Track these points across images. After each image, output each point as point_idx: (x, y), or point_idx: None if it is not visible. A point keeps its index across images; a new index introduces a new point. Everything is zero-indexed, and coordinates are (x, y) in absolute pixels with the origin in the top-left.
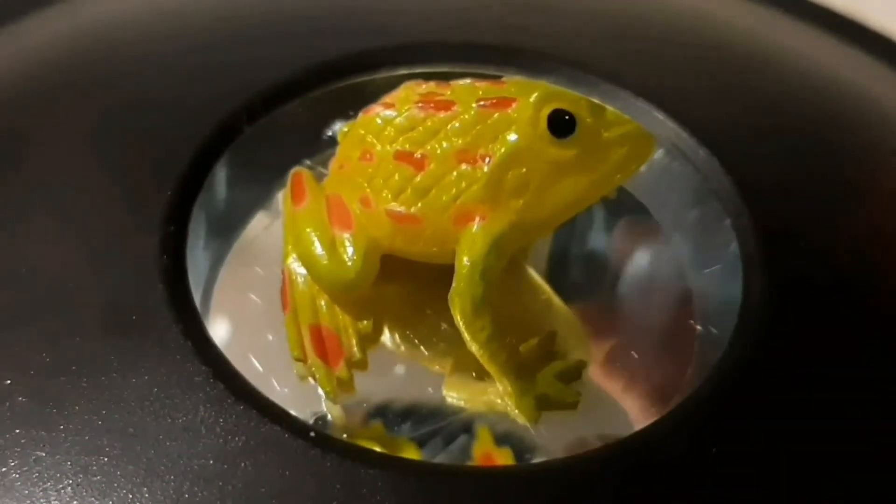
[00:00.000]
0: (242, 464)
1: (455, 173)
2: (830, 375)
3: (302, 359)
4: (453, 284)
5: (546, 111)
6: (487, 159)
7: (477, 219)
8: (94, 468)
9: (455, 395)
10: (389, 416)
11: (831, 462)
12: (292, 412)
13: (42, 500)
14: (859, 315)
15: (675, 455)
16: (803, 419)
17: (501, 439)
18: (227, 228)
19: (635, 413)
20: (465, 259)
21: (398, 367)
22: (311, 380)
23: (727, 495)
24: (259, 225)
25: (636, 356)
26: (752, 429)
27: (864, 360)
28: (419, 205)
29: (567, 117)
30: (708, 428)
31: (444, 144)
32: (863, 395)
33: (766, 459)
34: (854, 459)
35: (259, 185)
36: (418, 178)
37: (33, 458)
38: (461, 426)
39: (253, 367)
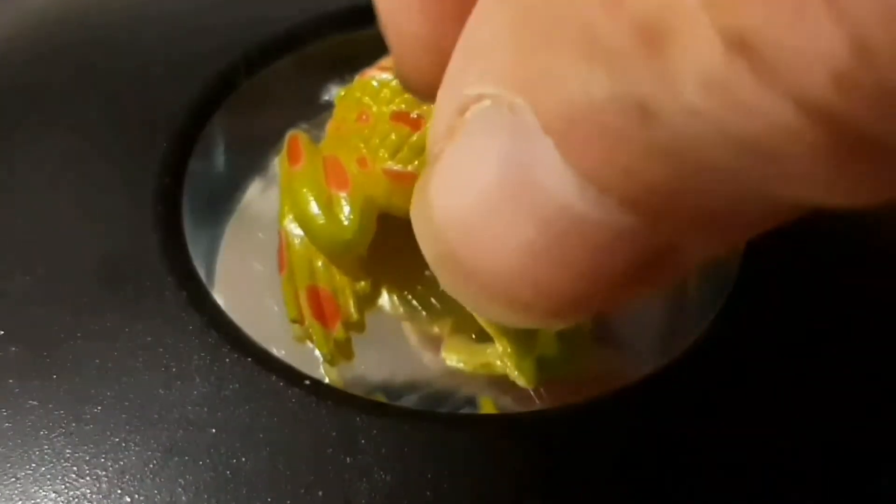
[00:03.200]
0: (237, 412)
1: None
2: (828, 330)
3: (299, 320)
4: None
5: None
6: None
7: None
8: (87, 416)
9: (454, 358)
10: (390, 387)
11: (824, 408)
12: None
13: (35, 448)
14: (861, 270)
15: (672, 407)
16: (801, 372)
17: (504, 410)
18: (224, 196)
19: (636, 373)
20: None
21: (398, 335)
22: (308, 342)
23: (725, 445)
24: (256, 191)
25: (636, 315)
26: (748, 383)
27: (865, 317)
28: (416, 163)
29: None
30: (704, 382)
31: None
32: (864, 351)
33: (761, 414)
34: (850, 404)
35: (255, 152)
36: (415, 137)
37: (26, 406)
38: (464, 398)
39: (251, 331)
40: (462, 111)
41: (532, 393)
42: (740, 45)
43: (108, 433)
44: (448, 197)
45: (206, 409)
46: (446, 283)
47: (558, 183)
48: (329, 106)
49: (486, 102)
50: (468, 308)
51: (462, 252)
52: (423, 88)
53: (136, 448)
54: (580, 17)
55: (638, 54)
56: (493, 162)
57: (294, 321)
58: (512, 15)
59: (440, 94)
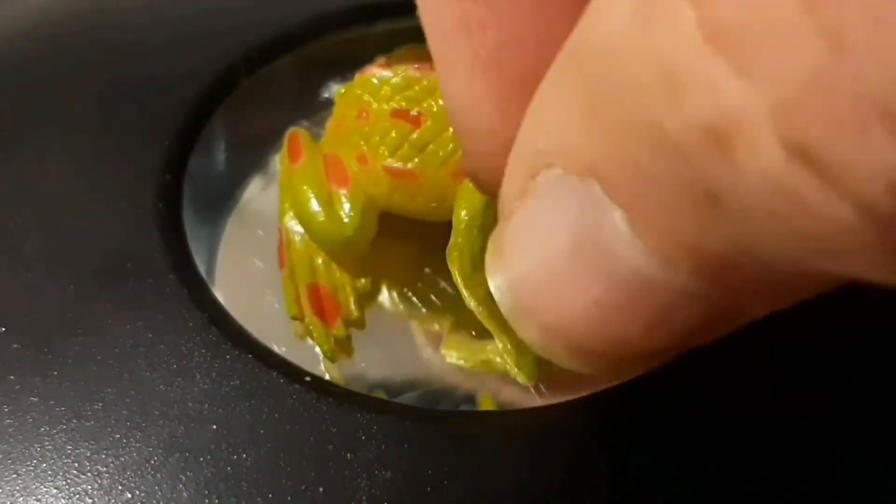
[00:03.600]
0: (237, 408)
1: (452, 129)
2: (828, 327)
3: (299, 317)
4: (451, 239)
5: None
6: None
7: None
8: (88, 413)
9: (454, 355)
10: (390, 384)
11: (826, 403)
12: None
13: (36, 445)
14: None
15: (672, 404)
16: (803, 370)
17: (504, 407)
18: (225, 194)
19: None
20: (463, 213)
21: (398, 332)
22: (308, 339)
23: (725, 442)
24: (257, 188)
25: None
26: (750, 380)
27: (865, 312)
28: (416, 160)
29: None
30: (705, 379)
31: (441, 102)
32: (866, 348)
33: (762, 410)
34: (851, 401)
35: (256, 150)
36: (415, 135)
37: (27, 403)
38: (464, 395)
39: (251, 328)
40: (533, 175)
41: (532, 390)
42: (804, 156)
43: (109, 430)
44: (521, 253)
45: (206, 406)
46: (521, 331)
47: (627, 249)
48: (329, 104)
49: (557, 170)
50: (542, 355)
51: (535, 305)
52: (495, 183)
53: (137, 444)
54: (647, 113)
55: (705, 150)
56: (565, 225)
57: (294, 318)
58: (582, 97)
59: (512, 156)
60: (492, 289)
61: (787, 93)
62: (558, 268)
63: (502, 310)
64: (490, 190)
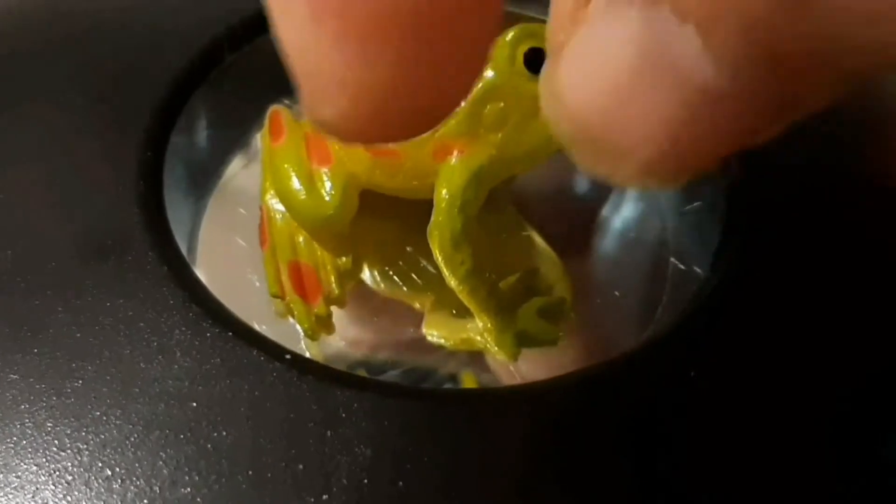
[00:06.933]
0: (218, 386)
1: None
2: (806, 309)
3: (280, 295)
4: (432, 218)
5: (522, 49)
6: None
7: (455, 152)
8: (69, 390)
9: (435, 333)
10: (372, 363)
11: (800, 385)
12: None
13: (16, 422)
14: (841, 251)
15: (652, 383)
16: (778, 349)
17: (485, 385)
18: (206, 172)
19: (617, 348)
20: (444, 192)
21: (379, 311)
22: (289, 317)
23: (705, 418)
24: (238, 166)
25: (617, 294)
26: (727, 360)
27: (845, 294)
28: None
29: (543, 55)
30: (684, 358)
31: None
32: (840, 326)
33: (744, 388)
34: (829, 388)
35: (237, 127)
36: None
37: (7, 380)
38: (446, 373)
39: (232, 306)
40: (583, 2)
41: (512, 368)
42: None
43: (90, 407)
44: (581, 81)
45: (187, 384)
46: (583, 161)
47: (698, 62)
48: None
49: None
50: (604, 176)
51: (601, 131)
52: (341, 120)
53: (118, 422)
54: None
55: None
56: (627, 45)
57: (275, 296)
58: None
59: None
60: (550, 121)
61: None
62: (624, 91)
63: (564, 142)
64: (339, 132)
